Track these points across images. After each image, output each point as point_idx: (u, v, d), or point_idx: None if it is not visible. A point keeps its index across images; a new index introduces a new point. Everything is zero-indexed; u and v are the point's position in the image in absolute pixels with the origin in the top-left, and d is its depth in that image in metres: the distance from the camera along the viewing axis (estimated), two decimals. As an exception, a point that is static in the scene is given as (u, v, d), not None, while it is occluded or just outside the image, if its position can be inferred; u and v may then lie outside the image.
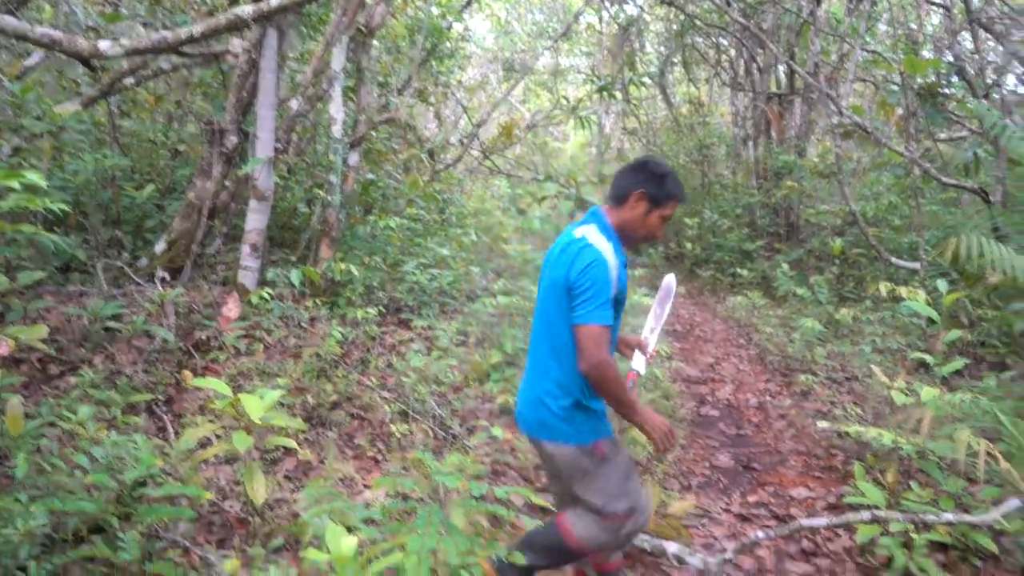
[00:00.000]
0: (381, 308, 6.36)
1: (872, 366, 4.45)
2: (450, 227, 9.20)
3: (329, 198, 6.63)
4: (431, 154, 9.15)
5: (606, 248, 2.55)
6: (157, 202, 7.06)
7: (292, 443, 3.23)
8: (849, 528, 3.75)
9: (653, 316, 3.24)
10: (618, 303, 2.61)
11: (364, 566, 1.99)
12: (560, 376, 2.60)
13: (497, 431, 4.35)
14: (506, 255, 8.34)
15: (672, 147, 14.47)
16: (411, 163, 9.03)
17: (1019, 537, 3.29)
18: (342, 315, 6.00)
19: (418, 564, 1.96)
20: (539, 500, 3.87)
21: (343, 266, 6.01)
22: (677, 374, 6.91)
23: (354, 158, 7.22)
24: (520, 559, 2.52)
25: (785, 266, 9.44)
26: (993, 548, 3.45)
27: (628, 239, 2.69)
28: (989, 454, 3.50)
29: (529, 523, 2.87)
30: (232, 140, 6.13)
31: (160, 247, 6.07)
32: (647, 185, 2.62)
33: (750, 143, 13.01)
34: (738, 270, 10.80)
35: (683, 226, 12.25)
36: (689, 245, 12.00)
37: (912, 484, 3.56)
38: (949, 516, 3.32)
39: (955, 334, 3.97)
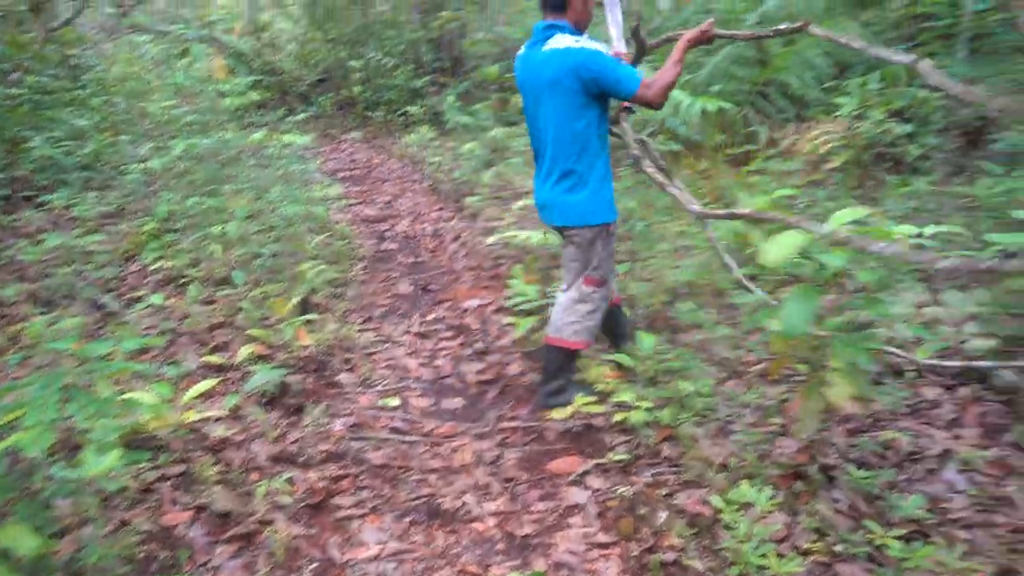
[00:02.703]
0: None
1: (512, 171, 4.77)
2: (89, 95, 8.07)
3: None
4: (35, 9, 7.78)
5: (586, 42, 2.96)
6: None
7: None
8: (512, 325, 4.13)
9: (613, 25, 3.37)
10: None
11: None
12: (581, 165, 3.06)
13: (158, 298, 4.08)
14: (153, 116, 7.56)
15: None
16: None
17: (636, 299, 3.83)
18: (-50, 208, 5.12)
19: (37, 439, 1.80)
20: (213, 358, 3.75)
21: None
22: (356, 216, 6.93)
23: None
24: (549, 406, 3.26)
25: (452, 98, 9.62)
26: (627, 312, 4.00)
27: (579, 31, 3.10)
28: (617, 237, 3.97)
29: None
30: None
31: None
32: None
33: (406, -24, 12.72)
34: (409, 108, 10.84)
35: (349, 70, 11.88)
36: (358, 89, 11.73)
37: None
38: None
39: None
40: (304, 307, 4.25)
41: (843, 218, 2.34)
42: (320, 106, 11.89)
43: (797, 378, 3.32)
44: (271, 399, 3.46)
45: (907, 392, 3.33)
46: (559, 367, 3.30)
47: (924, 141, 5.28)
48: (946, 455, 2.86)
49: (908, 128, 5.25)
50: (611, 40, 3.41)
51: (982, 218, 4.22)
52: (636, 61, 3.41)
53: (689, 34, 3.02)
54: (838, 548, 2.36)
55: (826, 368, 2.42)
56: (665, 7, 6.94)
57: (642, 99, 2.91)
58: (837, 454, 2.86)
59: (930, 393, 3.32)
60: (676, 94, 4.70)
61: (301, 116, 7.43)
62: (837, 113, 5.30)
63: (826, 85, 5.90)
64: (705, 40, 3.06)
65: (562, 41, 2.95)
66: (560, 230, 3.22)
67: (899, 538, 2.31)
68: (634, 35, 3.34)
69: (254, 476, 2.91)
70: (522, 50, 3.16)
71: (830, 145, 5.04)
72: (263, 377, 3.28)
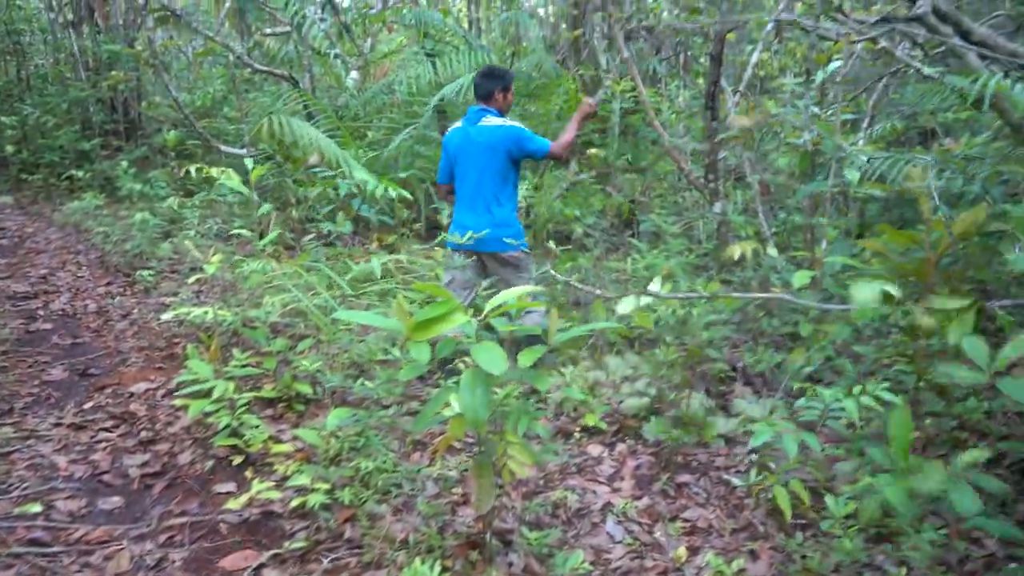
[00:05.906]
0: None
1: (188, 243, 4.48)
2: None
3: None
4: None
5: (510, 120, 4.26)
6: None
7: None
8: (184, 409, 3.79)
9: None
10: None
11: None
12: (508, 209, 4.23)
13: None
14: None
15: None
16: None
17: (321, 375, 3.74)
18: None
19: None
20: None
21: None
22: (1, 293, 6.03)
23: None
24: None
25: (125, 164, 8.88)
26: (310, 391, 3.88)
27: (503, 114, 4.32)
28: (300, 312, 3.87)
29: None
30: None
31: None
32: (499, 83, 4.26)
33: (71, 30, 11.61)
34: (75, 172, 9.80)
35: (0, 127, 10.47)
36: (11, 148, 10.36)
37: (235, 351, 3.74)
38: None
39: (267, 207, 4.22)
40: (-83, 403, 3.55)
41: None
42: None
43: (476, 447, 3.42)
44: None
45: (575, 451, 3.59)
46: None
47: (587, 222, 5.87)
48: (607, 508, 3.10)
49: (571, 210, 5.81)
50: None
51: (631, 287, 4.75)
52: None
53: (582, 108, 4.38)
54: (513, 613, 2.42)
55: (499, 441, 2.51)
56: (351, 85, 7.10)
57: (553, 155, 4.18)
58: (513, 518, 2.97)
59: (594, 450, 3.61)
60: (363, 175, 4.78)
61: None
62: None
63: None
64: (592, 113, 4.48)
65: (492, 120, 4.17)
66: (494, 255, 4.19)
67: (566, 594, 2.43)
68: None
69: None
70: (459, 124, 4.30)
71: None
72: None
